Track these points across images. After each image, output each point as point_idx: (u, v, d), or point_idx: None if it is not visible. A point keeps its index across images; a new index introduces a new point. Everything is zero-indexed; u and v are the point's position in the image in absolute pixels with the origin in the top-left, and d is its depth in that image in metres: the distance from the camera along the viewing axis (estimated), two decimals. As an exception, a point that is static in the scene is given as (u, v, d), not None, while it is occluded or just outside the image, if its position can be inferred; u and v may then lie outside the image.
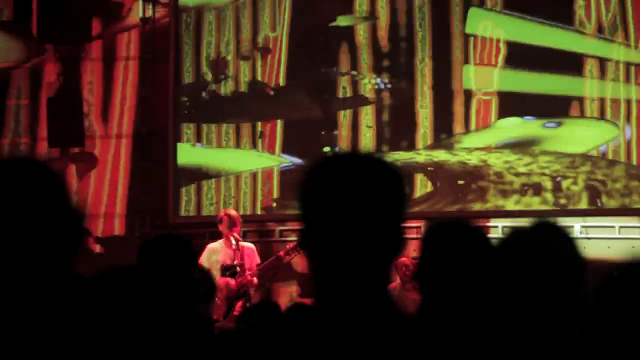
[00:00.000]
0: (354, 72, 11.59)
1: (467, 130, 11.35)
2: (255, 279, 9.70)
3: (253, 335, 2.07)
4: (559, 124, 11.21)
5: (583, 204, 11.08)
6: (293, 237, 10.99)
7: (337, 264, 2.00)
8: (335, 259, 2.00)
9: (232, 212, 9.77)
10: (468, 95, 11.32)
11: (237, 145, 11.80)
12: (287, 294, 11.33)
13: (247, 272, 9.53)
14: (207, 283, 4.15)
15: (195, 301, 3.94)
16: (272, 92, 11.76)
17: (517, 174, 11.28)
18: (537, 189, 11.20)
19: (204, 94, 11.92)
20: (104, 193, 12.09)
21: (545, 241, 2.82)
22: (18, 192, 2.02)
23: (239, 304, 9.48)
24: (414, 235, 10.72)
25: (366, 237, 1.99)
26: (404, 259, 9.68)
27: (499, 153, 11.32)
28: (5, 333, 1.95)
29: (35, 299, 1.99)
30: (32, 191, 2.03)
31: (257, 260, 9.84)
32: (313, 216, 2.02)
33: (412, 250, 9.23)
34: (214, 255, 9.48)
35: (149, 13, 12.03)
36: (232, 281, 9.40)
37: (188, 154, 11.87)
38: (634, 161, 11.03)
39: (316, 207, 2.02)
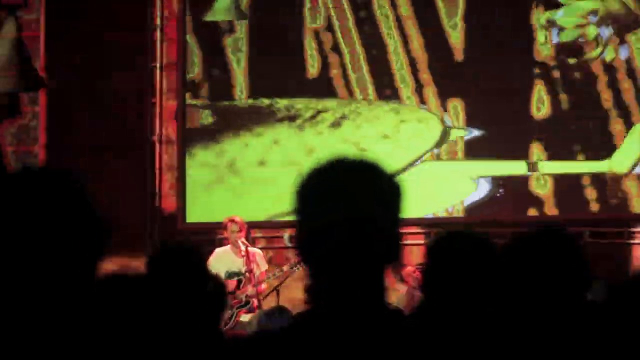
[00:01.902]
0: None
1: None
2: (261, 288, 9.68)
3: (260, 343, 2.08)
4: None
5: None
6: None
7: (333, 270, 2.01)
8: (330, 265, 2.01)
9: (237, 218, 9.74)
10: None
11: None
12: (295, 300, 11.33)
13: (254, 282, 9.49)
14: (219, 293, 4.15)
15: (206, 311, 3.91)
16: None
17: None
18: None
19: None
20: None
21: (548, 248, 2.85)
22: (43, 202, 2.01)
23: (242, 312, 9.45)
24: (415, 241, 10.71)
25: (361, 243, 1.99)
26: (410, 268, 9.65)
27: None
28: (24, 341, 1.95)
29: (58, 307, 1.98)
30: (57, 201, 2.02)
31: (265, 265, 9.80)
32: (308, 222, 2.03)
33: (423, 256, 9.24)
34: (220, 260, 9.45)
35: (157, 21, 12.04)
36: (232, 285, 9.35)
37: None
38: None
39: (311, 212, 2.02)
